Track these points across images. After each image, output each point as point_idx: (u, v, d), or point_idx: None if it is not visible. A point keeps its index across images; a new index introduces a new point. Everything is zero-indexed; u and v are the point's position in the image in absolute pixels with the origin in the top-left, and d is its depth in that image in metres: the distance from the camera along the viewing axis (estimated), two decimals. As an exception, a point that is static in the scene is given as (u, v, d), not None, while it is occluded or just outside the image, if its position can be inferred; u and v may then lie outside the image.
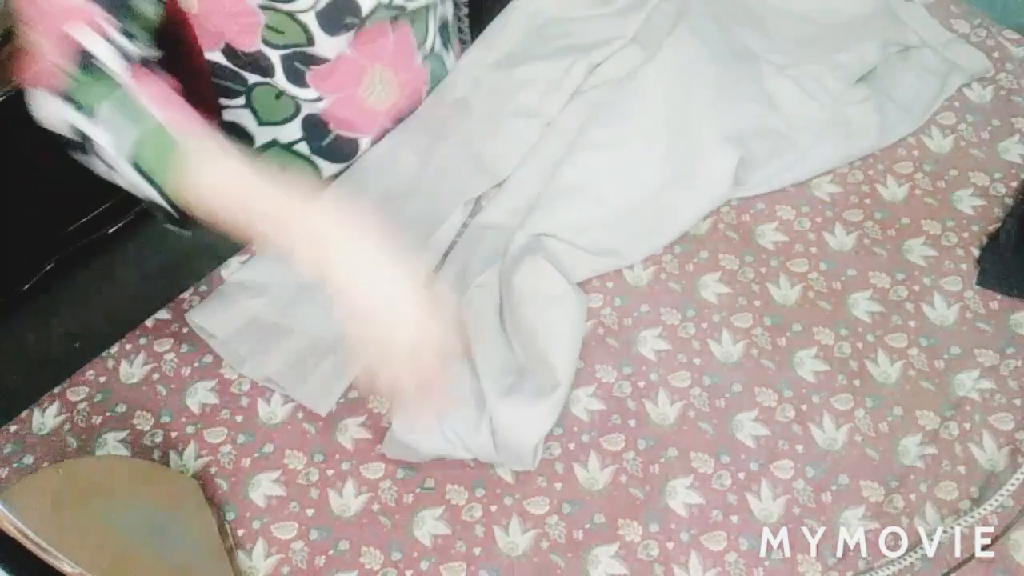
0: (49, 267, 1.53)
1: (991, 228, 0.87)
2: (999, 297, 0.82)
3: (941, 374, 0.79)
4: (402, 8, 0.83)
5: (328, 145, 0.88)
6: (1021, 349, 0.80)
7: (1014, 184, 0.89)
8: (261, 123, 0.86)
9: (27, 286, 1.52)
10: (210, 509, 0.71)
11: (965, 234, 0.86)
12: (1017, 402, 0.77)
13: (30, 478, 0.70)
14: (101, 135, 0.61)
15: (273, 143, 0.88)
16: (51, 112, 0.62)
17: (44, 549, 0.51)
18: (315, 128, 0.87)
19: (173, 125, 0.61)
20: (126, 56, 0.63)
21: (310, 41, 0.77)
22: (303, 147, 0.88)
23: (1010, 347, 0.80)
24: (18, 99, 1.25)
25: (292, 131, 0.87)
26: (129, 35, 0.64)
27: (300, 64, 0.80)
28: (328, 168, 0.90)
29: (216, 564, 0.68)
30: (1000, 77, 0.96)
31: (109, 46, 0.61)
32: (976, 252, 0.85)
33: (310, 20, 0.76)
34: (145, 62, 0.65)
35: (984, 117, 0.94)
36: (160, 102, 0.62)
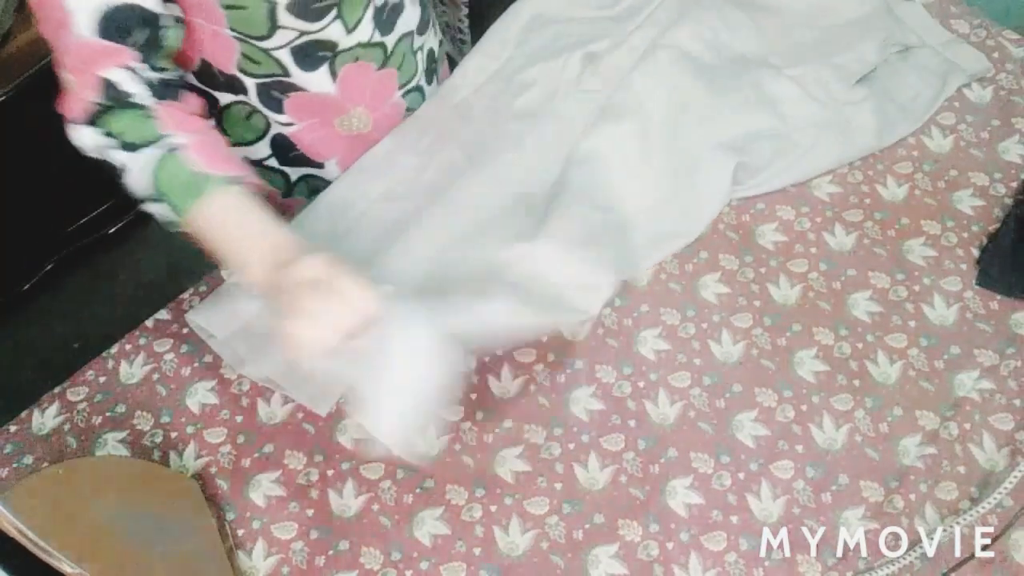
0: (49, 267, 1.54)
1: (991, 228, 0.87)
2: (999, 297, 0.82)
3: (941, 374, 0.79)
4: (381, 45, 0.83)
5: (295, 156, 0.89)
6: (1021, 349, 0.80)
7: (1014, 184, 0.89)
8: (233, 143, 0.86)
9: (27, 286, 1.53)
10: (210, 509, 0.71)
11: (965, 234, 0.86)
12: (1017, 402, 0.77)
13: (30, 478, 0.70)
14: (127, 159, 0.65)
15: (244, 160, 0.88)
16: (86, 141, 0.65)
17: (44, 549, 0.51)
18: (282, 147, 0.87)
19: (188, 152, 0.64)
20: (151, 84, 0.66)
21: (285, 73, 0.79)
22: (272, 162, 0.89)
23: (1010, 347, 0.80)
24: (18, 99, 1.25)
25: (261, 150, 0.87)
26: (157, 68, 0.67)
27: (277, 92, 0.81)
28: (296, 173, 0.91)
29: (216, 564, 0.68)
30: (1000, 77, 0.96)
31: (136, 79, 0.65)
32: (976, 252, 0.85)
33: (284, 56, 0.77)
34: (169, 84, 0.68)
35: (984, 117, 0.94)
36: (180, 126, 0.65)
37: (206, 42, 0.75)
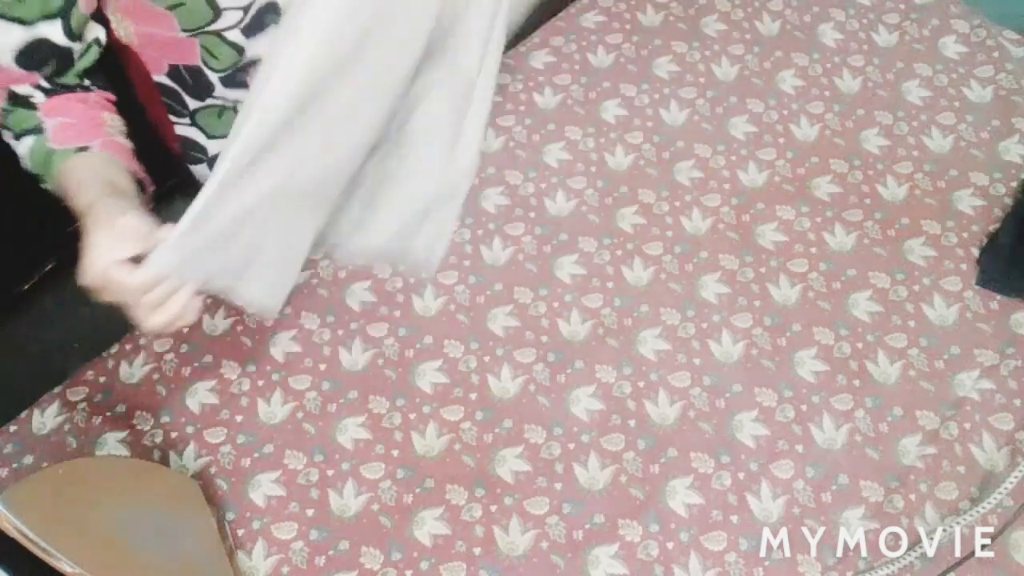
0: (49, 267, 1.53)
1: (991, 228, 0.87)
2: (999, 297, 0.82)
3: (941, 374, 0.79)
4: None
5: None
6: (1021, 349, 0.80)
7: (1014, 184, 0.89)
8: (210, 137, 0.88)
9: (27, 286, 1.52)
10: (210, 509, 0.71)
11: (965, 234, 0.86)
12: (1017, 402, 0.77)
13: (30, 478, 0.70)
14: (16, 146, 0.72)
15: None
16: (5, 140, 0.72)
17: (44, 549, 0.51)
18: None
19: (47, 133, 0.71)
20: (47, 91, 0.72)
21: (241, 54, 0.79)
22: None
23: (1010, 347, 0.80)
24: (18, 99, 1.22)
25: None
26: (64, 85, 0.72)
27: (239, 74, 0.82)
28: None
29: (216, 564, 0.68)
30: (1000, 77, 0.96)
31: (36, 89, 0.71)
32: (976, 252, 0.85)
33: (236, 36, 0.77)
34: (65, 87, 0.73)
35: (984, 117, 0.94)
36: (55, 112, 0.71)
37: (167, 49, 0.77)
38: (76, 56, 0.72)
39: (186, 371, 0.81)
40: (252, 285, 0.70)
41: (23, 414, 0.78)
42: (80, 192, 0.69)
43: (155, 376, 0.80)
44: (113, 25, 0.76)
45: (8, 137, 0.72)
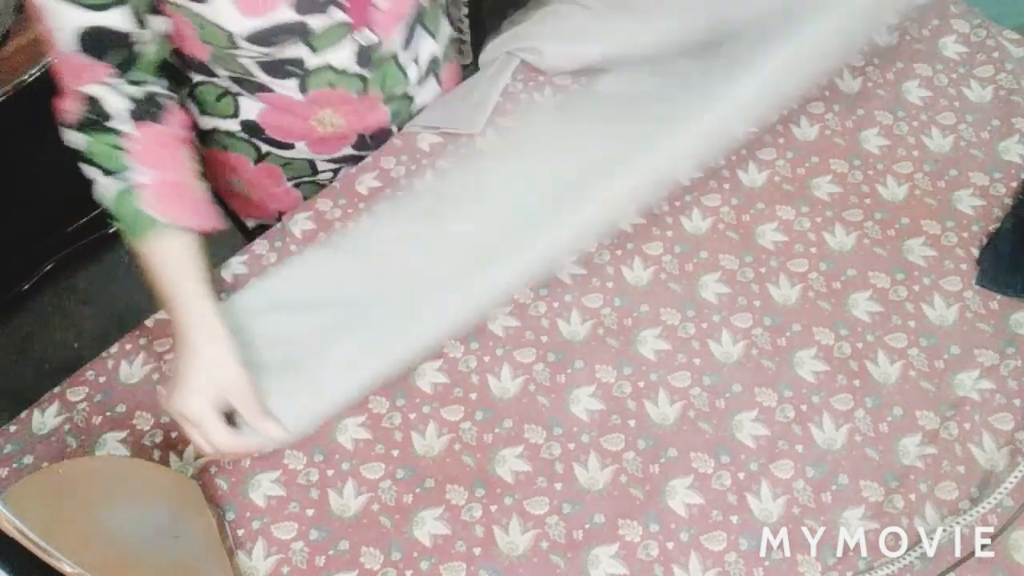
0: (49, 267, 1.53)
1: (991, 228, 0.87)
2: (999, 297, 0.82)
3: (941, 374, 0.79)
4: (360, 77, 0.83)
5: (265, 138, 0.90)
6: (1021, 349, 0.80)
7: (1014, 184, 0.89)
8: (203, 113, 0.88)
9: (27, 286, 1.53)
10: (210, 509, 0.71)
11: (965, 234, 0.86)
12: (1017, 402, 0.77)
13: (30, 478, 0.70)
14: (96, 176, 0.72)
15: (214, 130, 0.90)
16: (75, 143, 0.72)
17: (44, 549, 0.51)
18: (252, 129, 0.88)
19: (145, 192, 0.71)
20: (132, 100, 0.72)
21: (255, 76, 0.80)
22: (243, 135, 0.90)
23: (1010, 347, 0.80)
24: (18, 99, 1.25)
25: (231, 125, 0.88)
26: (137, 81, 0.72)
27: (246, 88, 0.83)
28: (265, 148, 0.91)
29: (216, 564, 0.68)
30: (1000, 77, 0.96)
31: (116, 94, 0.71)
32: (976, 252, 0.85)
33: (250, 64, 0.78)
34: (151, 99, 0.73)
35: (984, 117, 0.94)
36: (148, 160, 0.72)
37: (180, 38, 0.76)
38: (138, 45, 0.71)
39: (186, 371, 0.81)
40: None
41: (23, 414, 0.78)
42: (173, 283, 0.72)
43: (155, 376, 0.80)
44: None
45: (95, 171, 0.71)
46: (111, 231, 1.58)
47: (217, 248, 0.85)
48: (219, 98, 0.85)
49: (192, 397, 0.69)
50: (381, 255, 0.83)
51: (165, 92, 0.75)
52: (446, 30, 0.98)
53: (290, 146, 0.91)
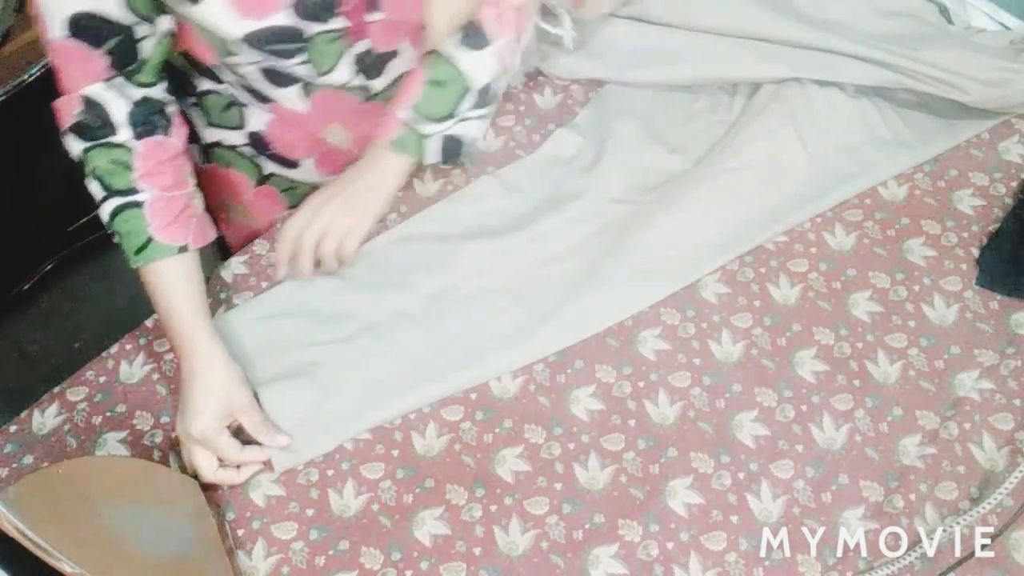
0: (49, 267, 1.53)
1: (991, 228, 0.87)
2: (999, 297, 0.82)
3: (941, 374, 0.79)
4: (364, 88, 0.81)
5: (271, 155, 0.88)
6: (1021, 349, 0.80)
7: (1014, 184, 0.89)
8: (209, 124, 0.87)
9: (27, 286, 1.52)
10: (210, 509, 0.71)
11: (965, 234, 0.86)
12: (1017, 402, 0.77)
13: (30, 478, 0.70)
14: (97, 191, 0.72)
15: (218, 144, 0.88)
16: (71, 149, 0.72)
17: (44, 549, 0.51)
18: (258, 143, 0.87)
19: (145, 209, 0.71)
20: (134, 111, 0.71)
21: (258, 85, 0.79)
22: (247, 150, 0.88)
23: (1010, 347, 0.80)
24: (18, 99, 1.25)
25: (237, 138, 0.87)
26: (139, 83, 0.72)
27: (252, 96, 0.81)
28: (269, 167, 0.90)
29: (216, 564, 0.68)
30: (1000, 77, 0.96)
31: (118, 98, 0.70)
32: (976, 252, 0.85)
33: (252, 72, 0.76)
34: (155, 111, 0.72)
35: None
36: (151, 178, 0.72)
37: (187, 39, 0.75)
38: (139, 39, 0.69)
39: (186, 371, 0.81)
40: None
41: (23, 414, 0.78)
42: (170, 310, 0.73)
43: (155, 376, 0.80)
44: None
45: (96, 187, 0.71)
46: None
47: (221, 251, 0.85)
48: (226, 108, 0.83)
49: (198, 419, 0.71)
50: (403, 272, 0.84)
51: (169, 98, 0.74)
52: None
53: (295, 164, 0.89)
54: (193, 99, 0.84)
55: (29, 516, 0.57)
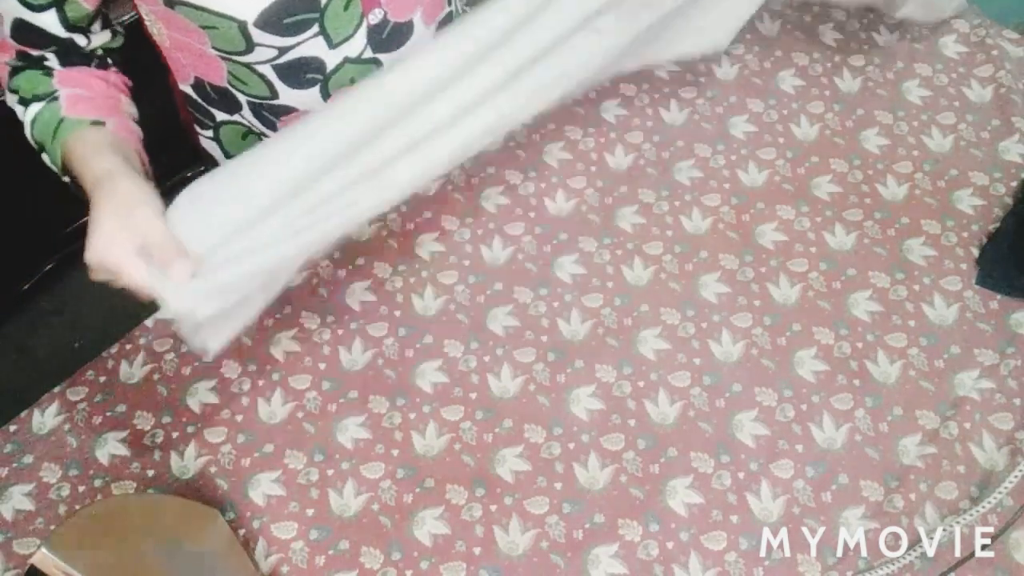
0: (49, 267, 1.53)
1: (991, 228, 0.87)
2: (999, 297, 0.82)
3: (941, 374, 0.79)
4: (375, 61, 0.80)
5: None
6: (1021, 349, 0.80)
7: (1014, 184, 0.89)
8: (228, 156, 0.87)
9: (27, 286, 1.52)
10: (238, 542, 0.70)
11: (965, 234, 0.86)
12: (1017, 402, 0.77)
13: (69, 521, 0.67)
14: (22, 113, 0.70)
15: None
16: (9, 102, 0.71)
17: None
18: None
19: (59, 101, 0.69)
20: (63, 48, 0.70)
21: (274, 94, 0.78)
22: None
23: (1010, 347, 0.80)
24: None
25: None
26: (73, 28, 0.70)
27: (268, 114, 0.81)
28: None
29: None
30: (1000, 76, 0.96)
31: (51, 54, 0.70)
32: (976, 252, 0.85)
33: (268, 72, 0.76)
34: (81, 55, 0.71)
35: (984, 117, 0.94)
36: (71, 83, 0.70)
37: (196, 60, 0.76)
38: (83, 46, 0.70)
39: (186, 370, 0.81)
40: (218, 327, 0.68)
41: (23, 414, 0.78)
42: (90, 159, 0.65)
43: (155, 376, 0.80)
44: (147, 23, 0.74)
45: (13, 101, 0.70)
46: (111, 231, 1.57)
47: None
48: (244, 136, 0.83)
49: (111, 244, 0.63)
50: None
51: (106, 62, 0.74)
52: None
53: None
54: (210, 132, 0.84)
55: (72, 560, 0.56)
